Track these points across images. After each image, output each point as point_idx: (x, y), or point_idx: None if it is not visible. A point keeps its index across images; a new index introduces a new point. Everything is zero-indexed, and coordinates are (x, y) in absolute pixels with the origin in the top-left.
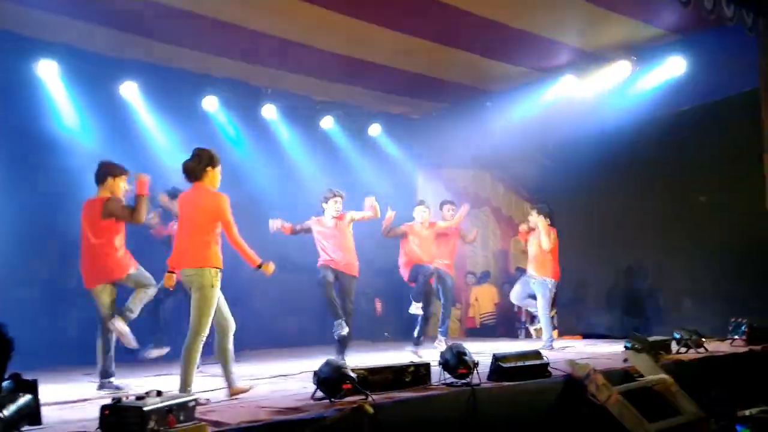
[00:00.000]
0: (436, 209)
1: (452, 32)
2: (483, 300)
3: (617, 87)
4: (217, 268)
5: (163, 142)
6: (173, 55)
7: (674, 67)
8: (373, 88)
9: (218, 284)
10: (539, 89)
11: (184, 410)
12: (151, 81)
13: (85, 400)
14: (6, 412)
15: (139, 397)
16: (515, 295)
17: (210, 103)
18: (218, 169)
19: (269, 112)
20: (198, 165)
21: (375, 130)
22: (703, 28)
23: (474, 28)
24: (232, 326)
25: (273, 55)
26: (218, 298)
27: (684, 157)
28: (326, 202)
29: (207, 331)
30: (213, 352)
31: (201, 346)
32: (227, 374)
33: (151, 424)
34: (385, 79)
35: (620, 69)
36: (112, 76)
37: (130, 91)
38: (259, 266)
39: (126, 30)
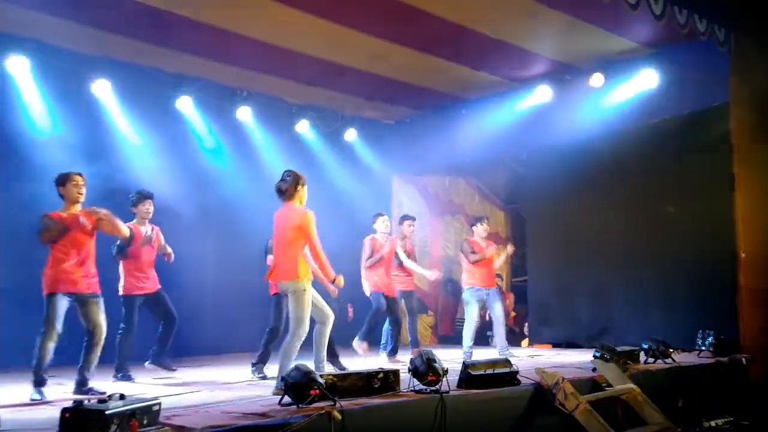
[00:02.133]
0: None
1: (429, 39)
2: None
3: (590, 98)
4: (307, 278)
5: (136, 142)
6: (148, 54)
7: (647, 80)
8: (349, 93)
9: (309, 290)
10: (514, 98)
11: (147, 414)
12: (125, 80)
13: (45, 402)
14: None
15: (102, 401)
16: None
17: (184, 104)
18: (305, 187)
19: (244, 114)
20: (289, 186)
21: (350, 135)
22: (675, 43)
23: (451, 36)
24: (329, 316)
25: (248, 57)
26: (312, 295)
27: (654, 169)
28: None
29: (305, 335)
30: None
31: (299, 346)
32: (317, 361)
33: (113, 428)
34: (361, 84)
35: (594, 81)
36: (84, 74)
37: (102, 89)
38: (333, 281)
39: (100, 27)
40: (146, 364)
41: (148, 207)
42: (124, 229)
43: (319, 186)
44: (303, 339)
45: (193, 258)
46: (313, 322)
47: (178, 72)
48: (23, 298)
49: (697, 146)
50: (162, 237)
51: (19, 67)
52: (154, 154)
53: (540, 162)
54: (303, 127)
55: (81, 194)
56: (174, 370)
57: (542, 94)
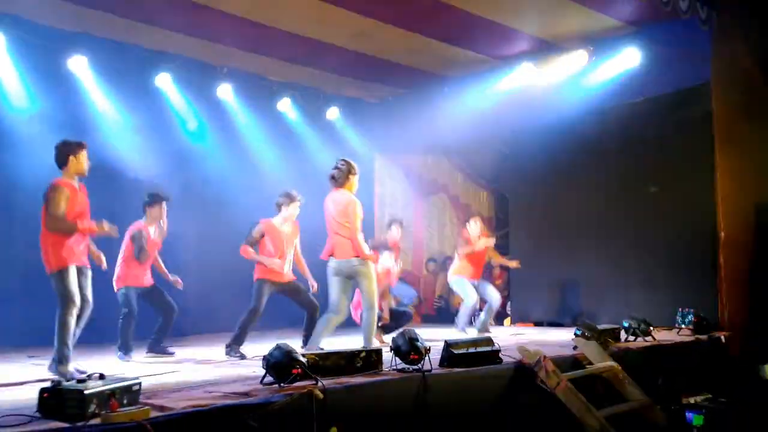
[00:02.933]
0: (394, 197)
1: (412, 16)
2: (442, 286)
3: (573, 76)
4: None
5: (114, 119)
6: (126, 29)
7: (629, 58)
8: (331, 71)
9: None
10: (497, 76)
11: (127, 393)
12: (103, 56)
13: (24, 382)
14: None
15: (80, 380)
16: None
17: (164, 81)
18: (357, 176)
19: (225, 91)
20: (342, 174)
21: (333, 113)
22: (658, 21)
23: (433, 13)
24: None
25: (230, 34)
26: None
27: (636, 148)
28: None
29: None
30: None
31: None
32: (315, 344)
33: (92, 408)
34: (343, 62)
35: (577, 59)
36: (60, 50)
37: (79, 65)
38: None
39: (77, 2)
40: (145, 354)
41: (162, 210)
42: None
43: (300, 164)
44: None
45: (174, 237)
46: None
47: (157, 48)
48: (5, 278)
49: (679, 126)
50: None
51: None
52: (133, 132)
53: (523, 141)
54: (285, 105)
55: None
56: (173, 354)
57: (526, 72)
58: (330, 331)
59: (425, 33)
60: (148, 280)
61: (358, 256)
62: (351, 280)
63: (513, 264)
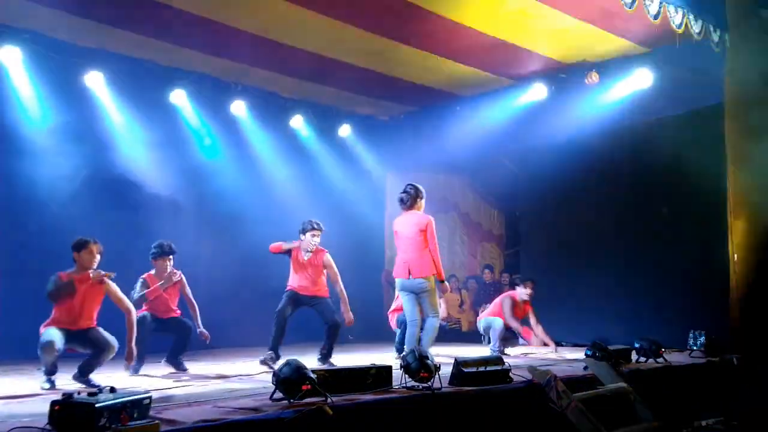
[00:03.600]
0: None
1: (425, 36)
2: (452, 305)
3: (585, 97)
4: (434, 274)
5: (128, 135)
6: (142, 46)
7: (641, 79)
8: (343, 88)
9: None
10: (509, 96)
11: (138, 407)
12: (118, 72)
13: (35, 395)
14: None
15: (91, 393)
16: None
17: (178, 97)
18: (423, 200)
19: (238, 108)
20: (411, 198)
21: (345, 130)
22: (670, 42)
23: (447, 34)
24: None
25: (243, 51)
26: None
27: (648, 169)
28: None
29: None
30: None
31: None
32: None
33: (103, 421)
34: (356, 80)
35: (590, 79)
36: (77, 65)
37: (95, 81)
38: (442, 281)
39: (94, 18)
40: (162, 361)
41: (168, 264)
42: (127, 304)
43: (312, 182)
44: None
45: (186, 252)
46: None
47: (172, 65)
48: (19, 289)
49: (691, 146)
50: (186, 285)
51: (12, 57)
52: (147, 147)
53: (534, 160)
54: (297, 122)
55: (94, 263)
56: (185, 369)
57: (537, 92)
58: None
59: (438, 52)
60: (164, 314)
61: (429, 275)
62: (417, 295)
63: (549, 345)
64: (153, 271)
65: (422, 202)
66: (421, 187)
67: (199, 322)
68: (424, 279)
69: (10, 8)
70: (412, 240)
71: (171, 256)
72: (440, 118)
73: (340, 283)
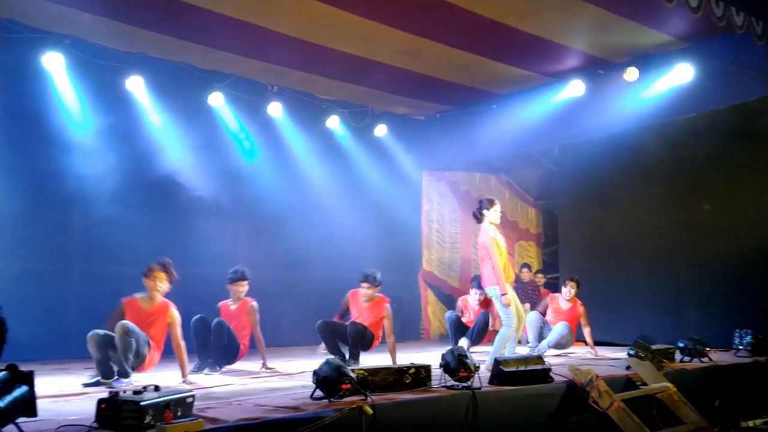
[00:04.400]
0: (441, 214)
1: (460, 34)
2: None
3: (624, 93)
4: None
5: (169, 137)
6: (180, 49)
7: (682, 74)
8: (379, 88)
9: (509, 293)
10: (546, 93)
11: (181, 406)
12: (158, 76)
13: (82, 393)
14: (1, 403)
15: (137, 392)
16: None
17: (216, 100)
18: (492, 209)
19: (275, 109)
20: (478, 212)
21: (380, 130)
22: (711, 36)
23: (481, 31)
24: (520, 320)
25: (280, 53)
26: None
27: (689, 164)
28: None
29: (514, 327)
30: None
31: (509, 336)
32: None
33: (148, 419)
34: (391, 79)
35: (628, 75)
36: (118, 70)
37: (136, 85)
38: (503, 294)
39: (134, 24)
40: (204, 372)
41: (243, 288)
42: (180, 344)
43: (349, 182)
44: (512, 330)
45: (224, 253)
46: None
47: (210, 68)
48: (59, 291)
49: (733, 141)
50: (256, 314)
51: (55, 63)
52: (187, 150)
53: (572, 158)
54: (333, 122)
55: (159, 288)
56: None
57: (575, 88)
58: (506, 341)
59: (473, 50)
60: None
61: (494, 285)
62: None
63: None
64: (230, 299)
65: (490, 213)
66: (485, 199)
67: (265, 358)
68: (491, 289)
69: (52, 15)
70: (480, 252)
71: (246, 281)
72: (476, 116)
73: None
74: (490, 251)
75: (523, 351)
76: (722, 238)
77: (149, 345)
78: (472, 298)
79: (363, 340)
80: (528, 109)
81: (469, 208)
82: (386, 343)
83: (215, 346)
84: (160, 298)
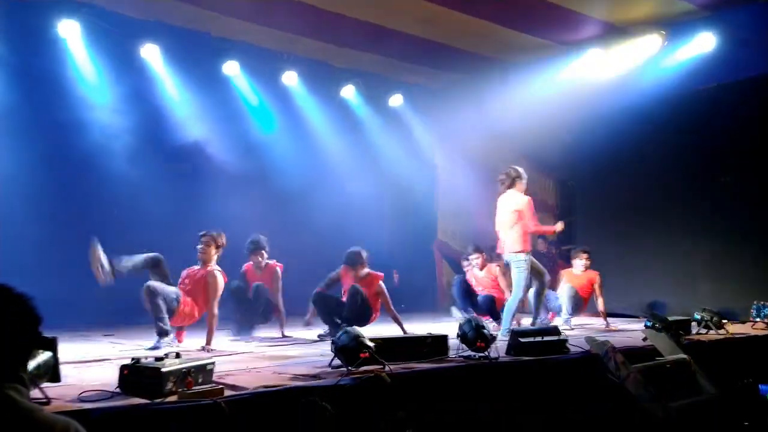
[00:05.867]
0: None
1: (475, 1)
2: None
3: (644, 62)
4: (525, 251)
5: (183, 105)
6: (195, 17)
7: (703, 43)
8: (394, 57)
9: (528, 260)
10: (563, 62)
11: (202, 373)
12: (173, 44)
13: (104, 359)
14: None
15: (159, 359)
16: None
17: (231, 68)
18: (524, 180)
19: (289, 78)
20: (507, 179)
21: (395, 100)
22: (734, 5)
23: None
24: (545, 276)
25: (295, 21)
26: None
27: (709, 136)
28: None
29: (523, 296)
30: None
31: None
32: (534, 317)
33: (169, 386)
34: (407, 48)
35: (648, 44)
36: (133, 38)
37: (151, 53)
38: (554, 231)
39: None
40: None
41: (260, 258)
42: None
43: (363, 151)
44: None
45: (239, 221)
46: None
47: (224, 36)
48: (80, 257)
49: (755, 111)
50: (279, 281)
51: (71, 31)
52: (202, 118)
53: (589, 129)
54: (348, 92)
55: (200, 253)
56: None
57: (593, 58)
58: (543, 296)
59: (490, 18)
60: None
61: (516, 251)
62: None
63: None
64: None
65: (523, 183)
66: (515, 168)
67: (284, 325)
68: (514, 255)
69: None
70: (505, 218)
71: (263, 251)
72: (492, 86)
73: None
74: (527, 215)
75: (558, 323)
76: (739, 211)
77: (178, 300)
78: (474, 263)
79: (361, 308)
80: (544, 78)
81: (484, 178)
82: (389, 317)
83: (253, 309)
84: (210, 265)
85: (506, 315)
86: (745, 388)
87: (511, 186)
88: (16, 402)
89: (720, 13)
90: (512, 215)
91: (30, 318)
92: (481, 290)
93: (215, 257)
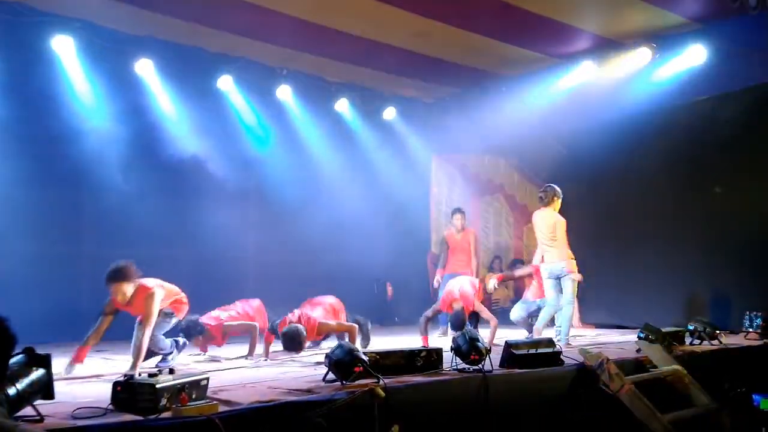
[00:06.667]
0: (450, 197)
1: (469, 15)
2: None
3: (636, 75)
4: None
5: (178, 121)
6: (190, 32)
7: (694, 55)
8: (388, 71)
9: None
10: (556, 75)
11: (196, 388)
12: (167, 59)
13: (98, 376)
14: (19, 386)
15: (152, 375)
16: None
17: (225, 83)
18: (560, 199)
19: (284, 92)
20: (547, 197)
21: (389, 113)
22: (724, 17)
23: (491, 12)
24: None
25: (289, 35)
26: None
27: (701, 147)
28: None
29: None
30: None
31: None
32: (562, 335)
33: (164, 401)
34: (401, 62)
35: (640, 56)
36: (127, 53)
37: (145, 68)
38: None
39: (143, 6)
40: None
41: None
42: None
43: (358, 165)
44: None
45: (233, 235)
46: None
47: (219, 51)
48: (75, 272)
49: (746, 124)
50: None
51: (65, 46)
52: (197, 133)
53: (583, 140)
54: (342, 105)
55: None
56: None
57: (585, 70)
58: (546, 322)
59: (483, 32)
60: None
61: (563, 260)
62: (558, 280)
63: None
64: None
65: (558, 202)
66: (558, 190)
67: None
68: (559, 267)
69: None
70: (543, 233)
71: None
72: (486, 99)
73: None
74: (560, 232)
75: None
76: (732, 222)
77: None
78: (456, 223)
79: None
80: (538, 91)
81: (479, 191)
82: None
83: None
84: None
85: (564, 326)
86: (738, 397)
87: (549, 204)
88: None
89: (710, 25)
90: (550, 230)
91: (3, 339)
92: (455, 253)
93: None
